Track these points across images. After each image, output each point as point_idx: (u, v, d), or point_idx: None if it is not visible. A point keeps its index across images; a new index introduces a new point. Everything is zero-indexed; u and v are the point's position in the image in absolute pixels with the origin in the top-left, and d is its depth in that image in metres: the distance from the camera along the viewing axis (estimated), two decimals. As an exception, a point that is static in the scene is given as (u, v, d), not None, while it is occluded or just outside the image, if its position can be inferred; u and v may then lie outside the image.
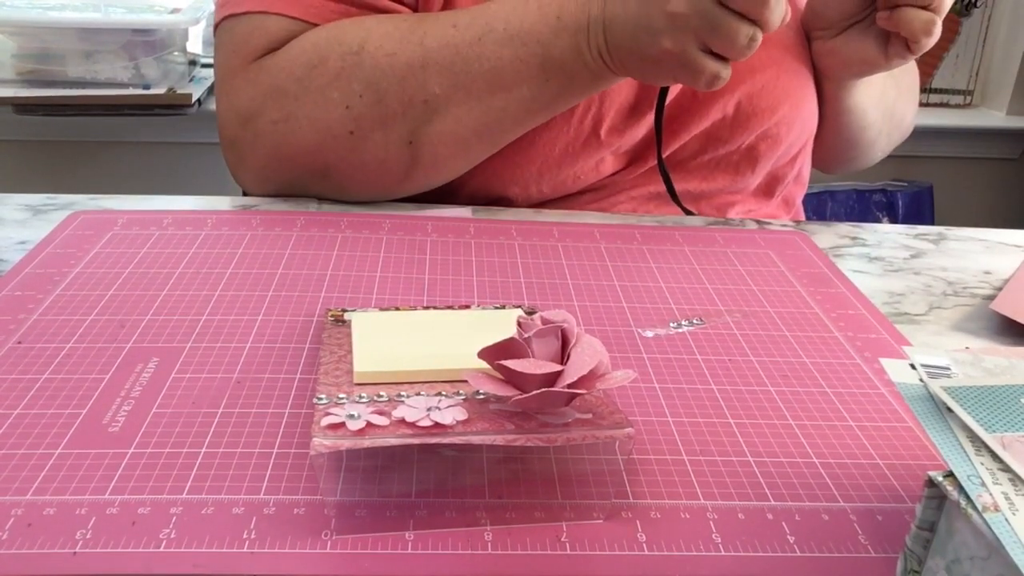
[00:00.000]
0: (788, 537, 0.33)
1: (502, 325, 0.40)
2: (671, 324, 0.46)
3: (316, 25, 0.62)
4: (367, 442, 0.32)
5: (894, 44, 0.63)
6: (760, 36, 0.53)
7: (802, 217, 0.82)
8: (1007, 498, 0.25)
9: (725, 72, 0.55)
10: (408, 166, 0.61)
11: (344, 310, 0.45)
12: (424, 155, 0.61)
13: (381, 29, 0.60)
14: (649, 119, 0.66)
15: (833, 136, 0.76)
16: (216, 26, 0.65)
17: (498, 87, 0.58)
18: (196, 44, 1.63)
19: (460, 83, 0.58)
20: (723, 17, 0.52)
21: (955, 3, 1.89)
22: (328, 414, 0.33)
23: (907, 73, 0.80)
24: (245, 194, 0.68)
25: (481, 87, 0.58)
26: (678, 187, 0.68)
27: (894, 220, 1.83)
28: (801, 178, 0.77)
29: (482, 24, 0.58)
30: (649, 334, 0.47)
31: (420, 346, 0.40)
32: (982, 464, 0.27)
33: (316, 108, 0.60)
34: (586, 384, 0.33)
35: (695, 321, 0.48)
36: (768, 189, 0.74)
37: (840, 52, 0.67)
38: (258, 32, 0.62)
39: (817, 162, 0.82)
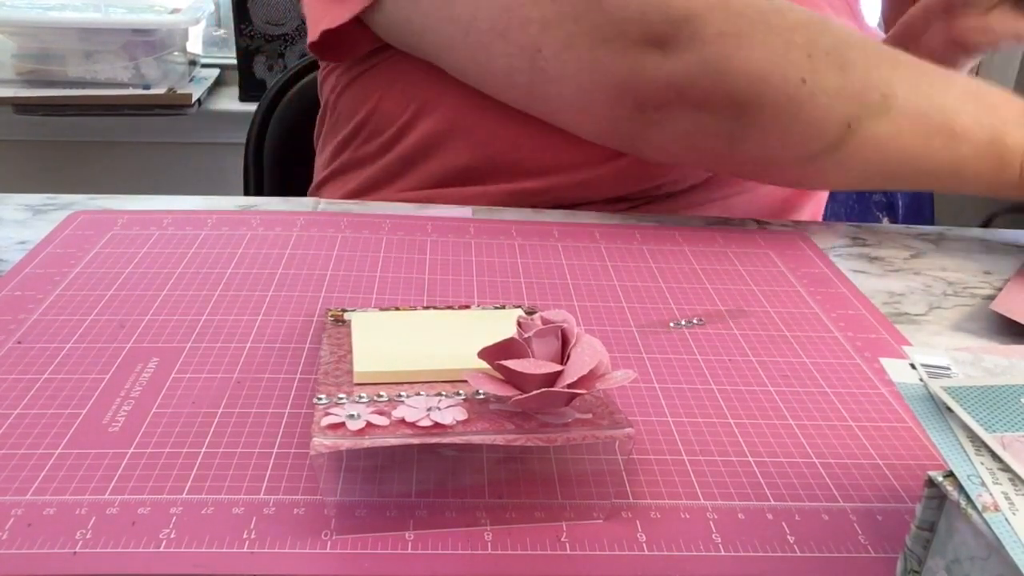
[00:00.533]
0: (788, 537, 0.33)
1: (502, 325, 0.40)
2: (671, 324, 0.46)
3: None
4: (367, 442, 0.32)
5: None
6: None
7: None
8: (1007, 498, 0.25)
9: None
10: (829, 148, 0.58)
11: (344, 310, 0.45)
12: (849, 148, 0.58)
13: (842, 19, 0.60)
14: None
15: None
16: None
17: (945, 129, 0.57)
18: (196, 44, 1.64)
19: (918, 101, 0.57)
20: None
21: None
22: (328, 414, 0.33)
23: None
24: (246, 193, 0.68)
25: (934, 118, 0.57)
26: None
27: (894, 220, 1.83)
28: None
29: (944, 72, 0.59)
30: (648, 335, 0.47)
31: (420, 346, 0.40)
32: (982, 464, 0.27)
33: (776, 40, 0.56)
34: (586, 384, 0.33)
35: (695, 321, 0.48)
36: None
37: (994, 28, 0.68)
38: None
39: None
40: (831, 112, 0.57)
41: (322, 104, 0.77)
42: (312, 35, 0.67)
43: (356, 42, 0.67)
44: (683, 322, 0.49)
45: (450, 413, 0.33)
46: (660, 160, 0.64)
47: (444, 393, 0.35)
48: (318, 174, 0.78)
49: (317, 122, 0.79)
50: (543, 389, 0.33)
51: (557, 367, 0.33)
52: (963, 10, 0.70)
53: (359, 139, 0.73)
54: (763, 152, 0.60)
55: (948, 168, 0.58)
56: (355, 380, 0.37)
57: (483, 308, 0.46)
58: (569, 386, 0.33)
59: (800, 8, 0.58)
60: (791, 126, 0.58)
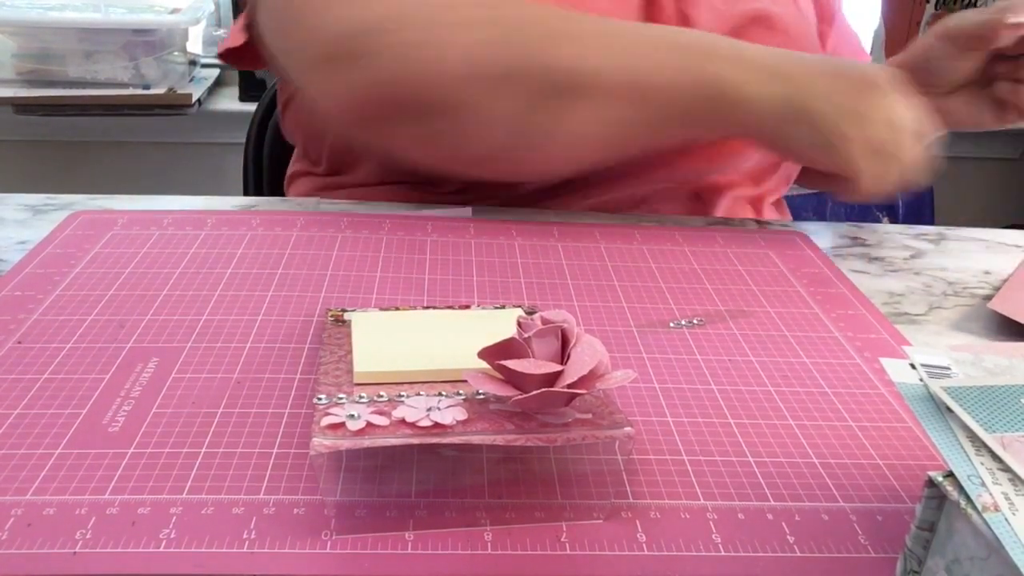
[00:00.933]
0: (788, 537, 0.33)
1: (502, 325, 0.40)
2: (671, 323, 0.46)
3: None
4: (367, 442, 0.32)
5: (1010, 112, 0.65)
6: None
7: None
8: (1007, 498, 0.25)
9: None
10: (522, 132, 0.58)
11: (344, 310, 0.45)
12: (542, 128, 0.57)
13: None
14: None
15: None
16: None
17: (642, 87, 0.56)
18: (196, 44, 1.63)
19: (610, 65, 0.56)
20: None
21: (955, 3, 1.88)
22: (328, 414, 0.33)
23: None
24: (246, 193, 0.68)
25: (627, 80, 0.56)
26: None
27: (894, 220, 1.83)
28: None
29: (639, 26, 0.59)
30: (648, 335, 0.47)
31: (420, 346, 0.40)
32: (982, 464, 0.27)
33: (454, 40, 0.55)
34: (586, 384, 0.33)
35: (695, 321, 0.48)
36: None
37: (951, 112, 0.67)
38: None
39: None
40: (516, 98, 0.56)
41: None
42: (220, 48, 0.72)
43: (258, 57, 0.70)
44: (683, 322, 0.49)
45: (450, 413, 0.33)
46: (422, 164, 0.63)
47: (444, 393, 0.35)
48: (290, 167, 0.80)
49: None
50: (543, 389, 0.33)
51: (557, 367, 0.33)
52: (924, 90, 0.66)
53: (304, 147, 0.76)
54: (487, 145, 0.59)
55: (661, 121, 0.58)
56: (355, 380, 0.37)
57: (483, 308, 0.46)
58: (569, 386, 0.33)
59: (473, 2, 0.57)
60: (474, 119, 0.57)
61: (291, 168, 0.79)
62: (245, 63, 0.73)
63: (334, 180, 0.72)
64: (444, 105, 0.57)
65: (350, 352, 0.40)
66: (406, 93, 0.57)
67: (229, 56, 0.73)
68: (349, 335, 0.41)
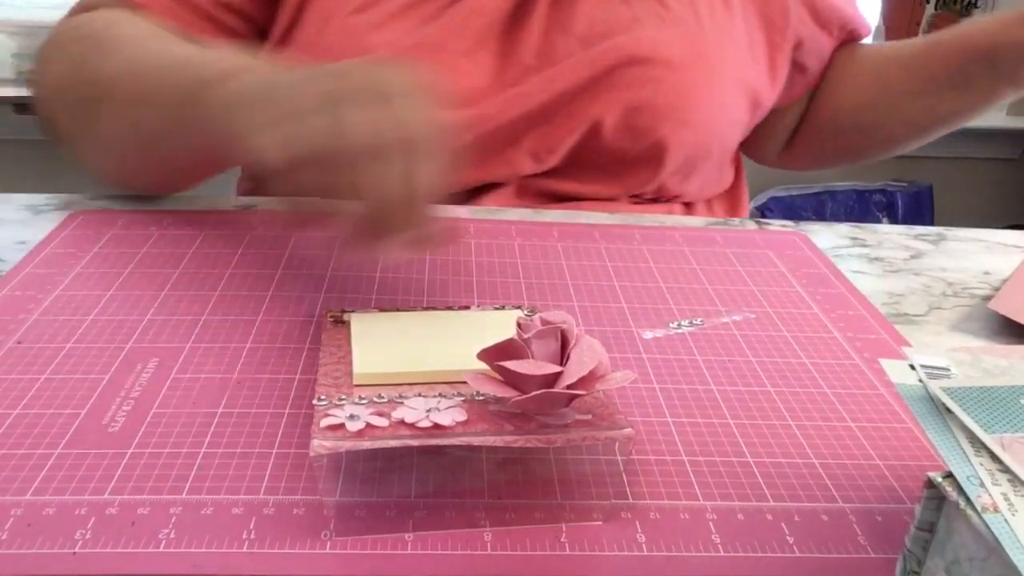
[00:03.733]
0: (787, 538, 0.33)
1: (502, 326, 0.40)
2: (671, 324, 0.46)
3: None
4: (367, 443, 0.32)
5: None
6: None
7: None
8: (1006, 499, 0.26)
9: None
10: (93, 143, 0.62)
11: (344, 311, 0.45)
12: (93, 127, 0.60)
13: (129, 28, 0.61)
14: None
15: (905, 133, 0.78)
16: None
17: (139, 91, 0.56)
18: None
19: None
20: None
21: (955, 3, 1.88)
22: (328, 415, 0.33)
23: None
24: (241, 194, 0.68)
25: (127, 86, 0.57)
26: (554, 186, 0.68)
27: (894, 220, 1.83)
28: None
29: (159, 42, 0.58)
30: (648, 335, 0.47)
31: (420, 347, 0.40)
32: (981, 465, 0.27)
33: (55, 65, 0.62)
34: (586, 385, 0.33)
35: (695, 321, 0.48)
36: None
37: None
38: None
39: (839, 154, 0.83)
40: (68, 116, 0.62)
41: None
42: None
43: None
44: (683, 322, 0.49)
45: (449, 414, 0.33)
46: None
47: (443, 394, 0.35)
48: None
49: None
50: (543, 390, 0.33)
51: (557, 368, 0.33)
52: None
53: None
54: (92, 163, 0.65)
55: (159, 127, 0.55)
56: (355, 381, 0.37)
57: (483, 309, 0.46)
58: (569, 387, 0.33)
59: (101, 24, 0.61)
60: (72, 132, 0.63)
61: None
62: None
63: None
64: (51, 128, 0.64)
65: (350, 353, 0.40)
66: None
67: None
68: (348, 336, 0.41)
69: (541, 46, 0.65)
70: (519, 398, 0.33)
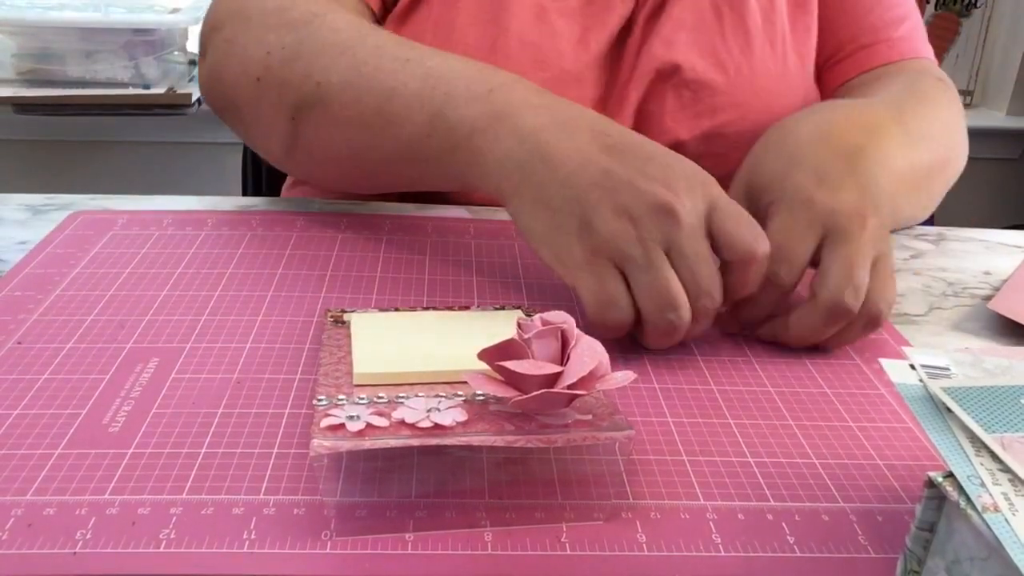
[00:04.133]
0: (788, 537, 0.33)
1: (502, 326, 0.40)
2: None
3: None
4: (367, 444, 0.32)
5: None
6: (687, 319, 0.43)
7: None
8: (1007, 498, 0.26)
9: (621, 314, 0.44)
10: (288, 144, 0.58)
11: (344, 311, 0.45)
12: (300, 141, 0.57)
13: (347, 14, 0.57)
14: None
15: None
16: None
17: (382, 112, 0.52)
18: (196, 44, 1.63)
19: (355, 84, 0.53)
20: (664, 272, 0.43)
21: (955, 3, 1.88)
22: (328, 415, 0.33)
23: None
24: (245, 193, 0.68)
25: (369, 103, 0.52)
26: None
27: (894, 220, 1.82)
28: None
29: (421, 52, 0.53)
30: None
31: (420, 347, 0.40)
32: (982, 465, 0.27)
33: (252, 42, 0.57)
34: (586, 385, 0.33)
35: None
36: None
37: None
38: None
39: None
40: (279, 107, 0.56)
41: None
42: None
43: None
44: None
45: (450, 414, 0.33)
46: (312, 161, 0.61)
47: (444, 394, 0.35)
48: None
49: None
50: (543, 390, 0.33)
51: (557, 368, 0.33)
52: None
53: None
54: (260, 146, 0.61)
55: (397, 153, 0.53)
56: (355, 381, 0.37)
57: (483, 309, 0.46)
58: (569, 387, 0.33)
59: (308, 7, 0.57)
60: (258, 124, 0.59)
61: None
62: None
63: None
64: (229, 104, 0.60)
65: (350, 353, 0.40)
66: (222, 89, 0.60)
67: None
68: (349, 336, 0.41)
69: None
70: (519, 398, 0.33)
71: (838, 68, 0.72)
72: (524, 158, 0.47)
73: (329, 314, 0.44)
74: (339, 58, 0.54)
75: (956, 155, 0.67)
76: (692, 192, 0.44)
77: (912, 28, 0.72)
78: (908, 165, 0.57)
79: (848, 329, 0.46)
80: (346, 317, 0.44)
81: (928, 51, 0.74)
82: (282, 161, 0.61)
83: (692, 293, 0.43)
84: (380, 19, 0.65)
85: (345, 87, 0.53)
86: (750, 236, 0.44)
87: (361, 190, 0.62)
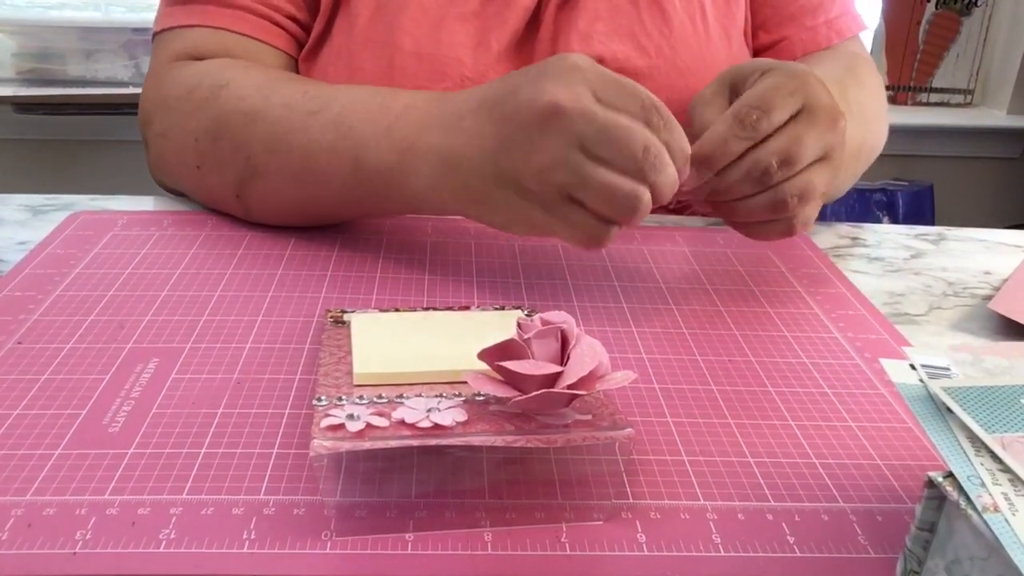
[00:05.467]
0: (788, 538, 0.33)
1: (502, 326, 0.40)
2: None
3: (230, 31, 0.62)
4: (367, 444, 0.32)
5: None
6: (647, 198, 0.45)
7: None
8: (1007, 498, 0.26)
9: (606, 232, 0.46)
10: (244, 211, 0.59)
11: (344, 311, 0.45)
12: (253, 211, 0.58)
13: (251, 73, 0.58)
14: None
15: None
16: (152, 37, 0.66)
17: (310, 170, 0.54)
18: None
19: (278, 150, 0.54)
20: (598, 175, 0.44)
21: (955, 2, 1.88)
22: (328, 415, 0.33)
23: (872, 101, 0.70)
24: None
25: (295, 163, 0.54)
26: None
27: (894, 220, 1.83)
28: None
29: (325, 99, 0.54)
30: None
31: (420, 348, 0.40)
32: (982, 465, 0.27)
33: (179, 133, 0.59)
34: (586, 385, 0.33)
35: None
36: None
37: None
38: (179, 40, 0.62)
39: None
40: (222, 187, 0.58)
41: None
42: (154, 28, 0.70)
43: None
44: None
45: (450, 414, 0.33)
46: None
47: (444, 395, 0.35)
48: None
49: None
50: (543, 390, 0.33)
51: (557, 368, 0.33)
52: None
53: None
54: (229, 213, 0.61)
55: (338, 201, 0.55)
56: (355, 381, 0.37)
57: (483, 309, 0.46)
58: (569, 387, 0.33)
59: (215, 72, 0.59)
60: (212, 202, 0.61)
61: None
62: None
63: None
64: (182, 189, 0.62)
65: (350, 353, 0.40)
66: (167, 181, 0.63)
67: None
68: (348, 336, 0.41)
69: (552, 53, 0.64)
70: (520, 398, 0.33)
71: (770, 53, 0.72)
72: (442, 173, 0.49)
73: (329, 314, 0.44)
74: (254, 128, 0.55)
75: (880, 142, 0.71)
76: (569, 83, 0.45)
77: (843, 3, 0.73)
78: (851, 139, 0.58)
79: (758, 204, 0.49)
80: (346, 317, 0.44)
81: (859, 23, 0.75)
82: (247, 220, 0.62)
83: (631, 157, 0.44)
84: (297, 60, 0.66)
85: (270, 155, 0.55)
86: (632, 89, 0.45)
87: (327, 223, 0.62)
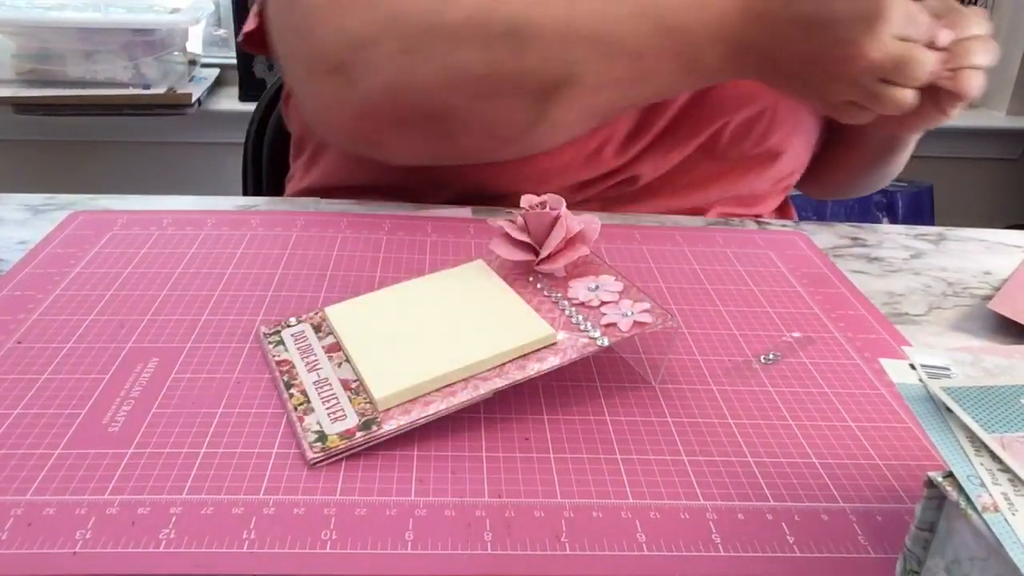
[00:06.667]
0: (787, 537, 0.33)
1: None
2: (761, 358, 0.46)
3: None
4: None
5: (946, 99, 0.60)
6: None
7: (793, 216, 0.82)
8: (1006, 498, 0.26)
9: (911, 96, 0.54)
10: (528, 124, 0.58)
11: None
12: (548, 119, 0.57)
13: None
14: (644, 142, 0.66)
15: (871, 165, 0.76)
16: None
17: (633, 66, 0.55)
18: (196, 44, 1.63)
19: (599, 52, 0.55)
20: (907, 49, 0.52)
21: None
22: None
23: None
24: (246, 193, 0.68)
25: (622, 62, 0.55)
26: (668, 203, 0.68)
27: (894, 220, 1.83)
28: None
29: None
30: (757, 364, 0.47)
31: (421, 340, 0.40)
32: (981, 464, 0.27)
33: (446, 45, 0.55)
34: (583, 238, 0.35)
35: (771, 356, 0.47)
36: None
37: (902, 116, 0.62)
38: None
39: (830, 188, 0.82)
40: (519, 97, 0.56)
41: None
42: (241, 33, 0.71)
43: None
44: (764, 358, 0.47)
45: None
46: (407, 163, 0.64)
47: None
48: (291, 169, 0.80)
49: None
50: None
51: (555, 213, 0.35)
52: None
53: (297, 136, 0.77)
54: (480, 143, 0.60)
55: (645, 89, 0.57)
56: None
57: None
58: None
59: (463, 2, 0.55)
60: (486, 119, 0.58)
61: (292, 169, 0.79)
62: (260, 48, 0.72)
63: (332, 181, 0.72)
64: (433, 112, 0.57)
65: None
66: (399, 103, 0.57)
67: (247, 40, 0.72)
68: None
69: None
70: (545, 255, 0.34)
71: None
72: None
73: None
74: (545, 47, 0.54)
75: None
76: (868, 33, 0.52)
77: None
78: None
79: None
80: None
81: None
82: (508, 145, 0.60)
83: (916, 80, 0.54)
84: None
85: (575, 64, 0.54)
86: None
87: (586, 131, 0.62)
